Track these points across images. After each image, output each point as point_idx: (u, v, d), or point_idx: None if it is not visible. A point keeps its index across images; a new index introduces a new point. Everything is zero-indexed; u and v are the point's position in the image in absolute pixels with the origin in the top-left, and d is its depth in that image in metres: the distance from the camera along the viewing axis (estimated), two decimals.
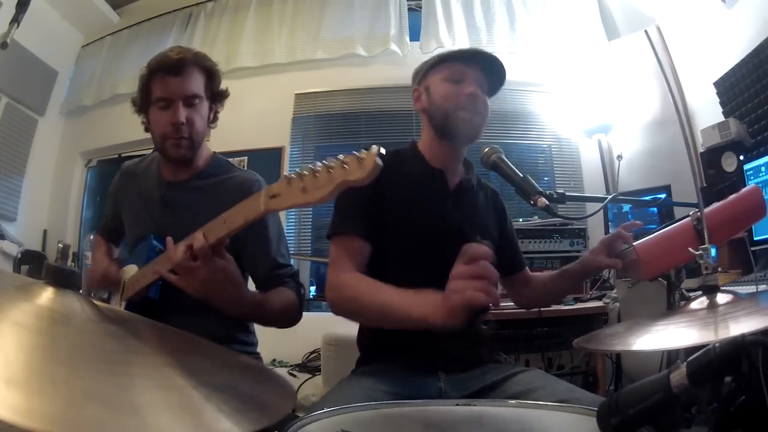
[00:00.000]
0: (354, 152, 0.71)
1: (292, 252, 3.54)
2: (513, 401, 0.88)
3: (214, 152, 1.48)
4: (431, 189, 1.26)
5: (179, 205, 1.38)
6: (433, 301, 0.85)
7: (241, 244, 1.29)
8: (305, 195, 0.75)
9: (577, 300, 2.62)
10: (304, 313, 1.33)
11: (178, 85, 1.31)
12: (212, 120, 1.44)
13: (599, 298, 2.64)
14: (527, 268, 1.48)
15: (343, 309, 1.10)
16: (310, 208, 3.56)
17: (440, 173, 1.27)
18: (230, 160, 1.54)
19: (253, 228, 1.00)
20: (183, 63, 1.31)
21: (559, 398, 0.94)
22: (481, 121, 1.24)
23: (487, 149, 1.23)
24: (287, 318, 1.30)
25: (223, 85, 1.45)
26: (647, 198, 2.02)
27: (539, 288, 1.44)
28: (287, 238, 1.67)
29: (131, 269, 1.33)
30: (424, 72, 1.31)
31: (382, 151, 0.70)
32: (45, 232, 4.00)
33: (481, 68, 1.26)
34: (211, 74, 1.39)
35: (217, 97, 1.43)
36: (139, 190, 1.46)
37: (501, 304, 1.85)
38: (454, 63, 1.26)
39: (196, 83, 1.34)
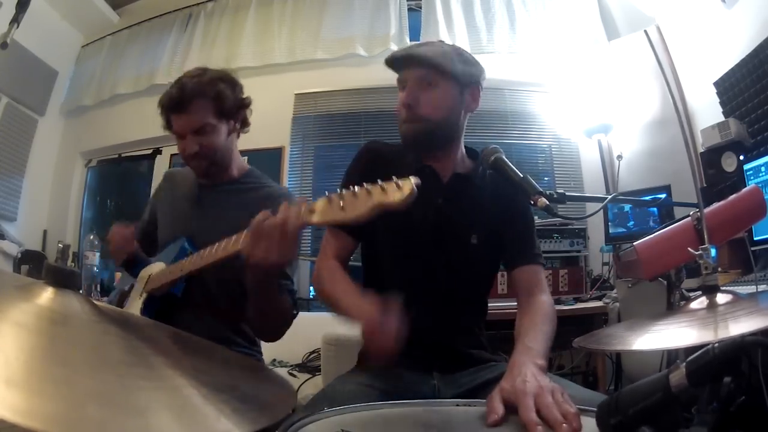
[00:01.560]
0: (394, 179, 0.78)
1: None
2: None
3: (251, 166, 1.54)
4: (422, 185, 1.25)
5: (210, 204, 1.44)
6: (368, 314, 0.94)
7: None
8: (344, 212, 0.80)
9: (577, 300, 2.62)
10: (303, 313, 1.34)
11: (184, 122, 1.37)
12: (241, 128, 1.49)
13: (599, 298, 2.64)
14: (532, 280, 1.23)
15: (316, 293, 1.23)
16: None
17: (430, 169, 1.26)
18: None
19: None
20: (184, 99, 1.34)
21: None
22: (425, 124, 1.19)
23: (486, 149, 1.22)
24: (281, 325, 1.29)
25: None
26: (647, 198, 2.02)
27: (517, 319, 1.23)
28: None
29: (158, 266, 1.36)
30: None
31: (419, 181, 0.77)
32: (45, 232, 4.00)
33: (422, 64, 1.20)
34: (219, 98, 1.38)
35: (233, 113, 1.43)
36: (177, 192, 1.53)
37: (502, 304, 1.84)
38: (396, 71, 1.25)
39: (203, 114, 1.36)
